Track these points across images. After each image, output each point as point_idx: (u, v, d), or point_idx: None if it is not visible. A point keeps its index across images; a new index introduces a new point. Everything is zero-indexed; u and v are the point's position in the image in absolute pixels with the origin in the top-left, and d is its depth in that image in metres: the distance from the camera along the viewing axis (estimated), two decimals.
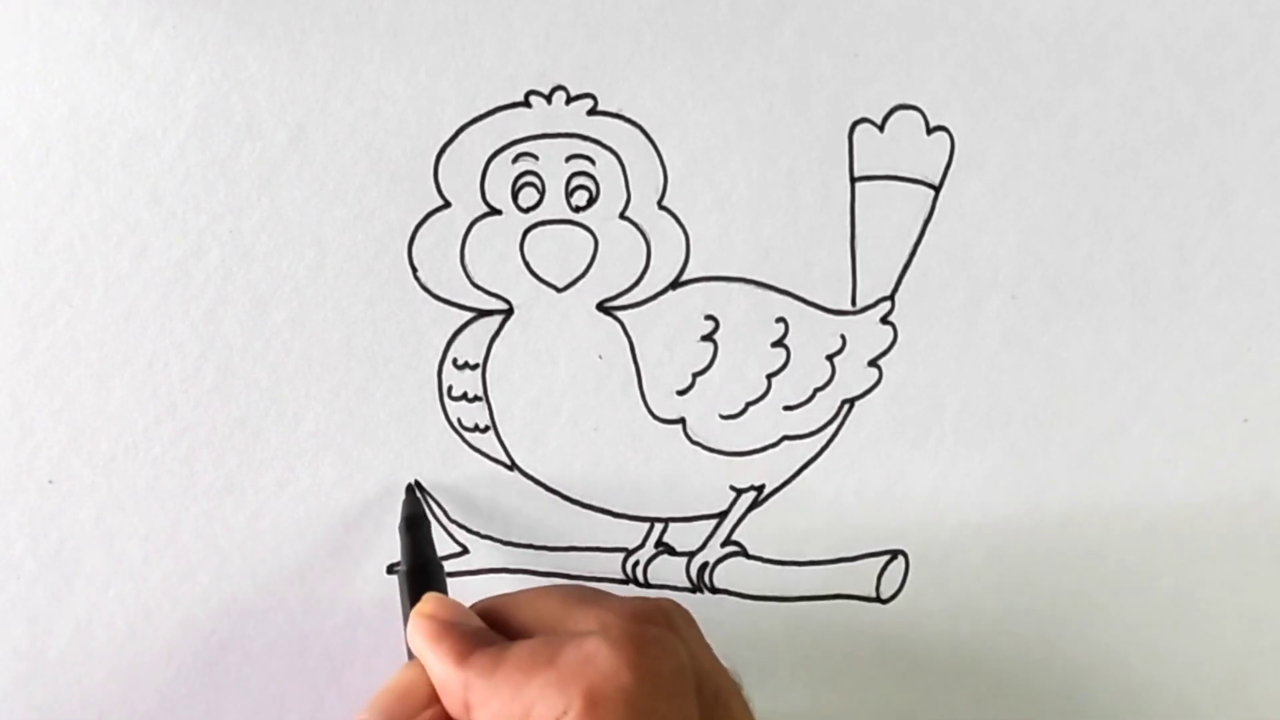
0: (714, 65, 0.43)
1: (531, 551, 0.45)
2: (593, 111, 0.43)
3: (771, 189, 0.44)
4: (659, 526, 0.46)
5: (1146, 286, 0.45)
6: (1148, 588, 0.48)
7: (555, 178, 0.43)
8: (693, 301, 0.44)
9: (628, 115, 0.43)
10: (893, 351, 0.45)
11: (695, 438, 0.45)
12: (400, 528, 0.43)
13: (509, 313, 0.44)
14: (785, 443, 0.45)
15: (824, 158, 0.44)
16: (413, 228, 0.43)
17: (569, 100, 0.42)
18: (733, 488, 0.46)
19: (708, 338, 0.44)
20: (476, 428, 0.44)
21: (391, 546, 0.44)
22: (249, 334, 0.43)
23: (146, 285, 0.42)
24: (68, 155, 0.41)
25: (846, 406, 0.45)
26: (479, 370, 0.44)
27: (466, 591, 0.42)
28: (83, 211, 0.42)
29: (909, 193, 0.44)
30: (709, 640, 0.39)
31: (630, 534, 0.46)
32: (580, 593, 0.39)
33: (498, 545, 0.45)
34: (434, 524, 0.44)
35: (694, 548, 0.46)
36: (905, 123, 0.44)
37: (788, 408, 0.45)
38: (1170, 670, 0.49)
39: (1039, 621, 0.48)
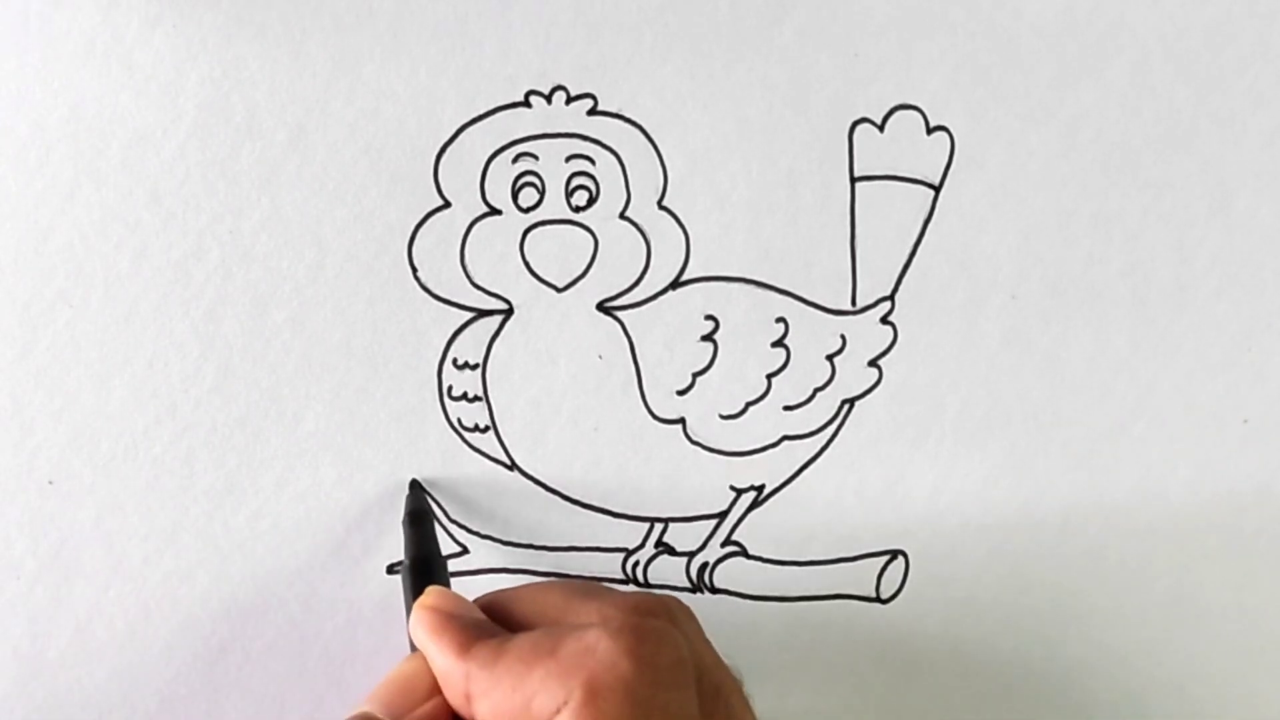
0: (714, 65, 0.43)
1: (531, 551, 0.45)
2: (593, 111, 0.43)
3: (771, 189, 0.44)
4: (659, 526, 0.46)
5: (1146, 286, 0.45)
6: (1148, 588, 0.48)
7: (555, 178, 0.43)
8: (693, 301, 0.44)
9: (628, 115, 0.43)
10: (893, 351, 0.45)
11: (695, 438, 0.45)
12: (404, 522, 0.43)
13: (509, 313, 0.44)
14: (785, 443, 0.45)
15: (824, 158, 0.44)
16: (413, 228, 0.43)
17: (569, 100, 0.42)
18: (733, 488, 0.46)
19: (708, 338, 0.44)
20: (476, 428, 0.44)
21: (392, 546, 0.44)
22: (249, 334, 0.43)
23: (146, 285, 0.42)
24: (68, 155, 0.41)
25: (846, 406, 0.45)
26: (479, 370, 0.44)
27: (467, 591, 0.42)
28: (83, 211, 0.42)
29: (909, 193, 0.44)
30: (709, 640, 0.39)
31: (630, 534, 0.46)
32: (582, 587, 0.39)
33: (498, 545, 0.45)
34: (437, 530, 0.44)
35: (694, 548, 0.46)
36: (905, 123, 0.44)
37: (788, 408, 0.45)
38: (1170, 670, 0.49)
39: (1039, 621, 0.48)
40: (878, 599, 0.47)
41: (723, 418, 0.45)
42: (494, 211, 0.43)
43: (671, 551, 0.46)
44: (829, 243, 0.44)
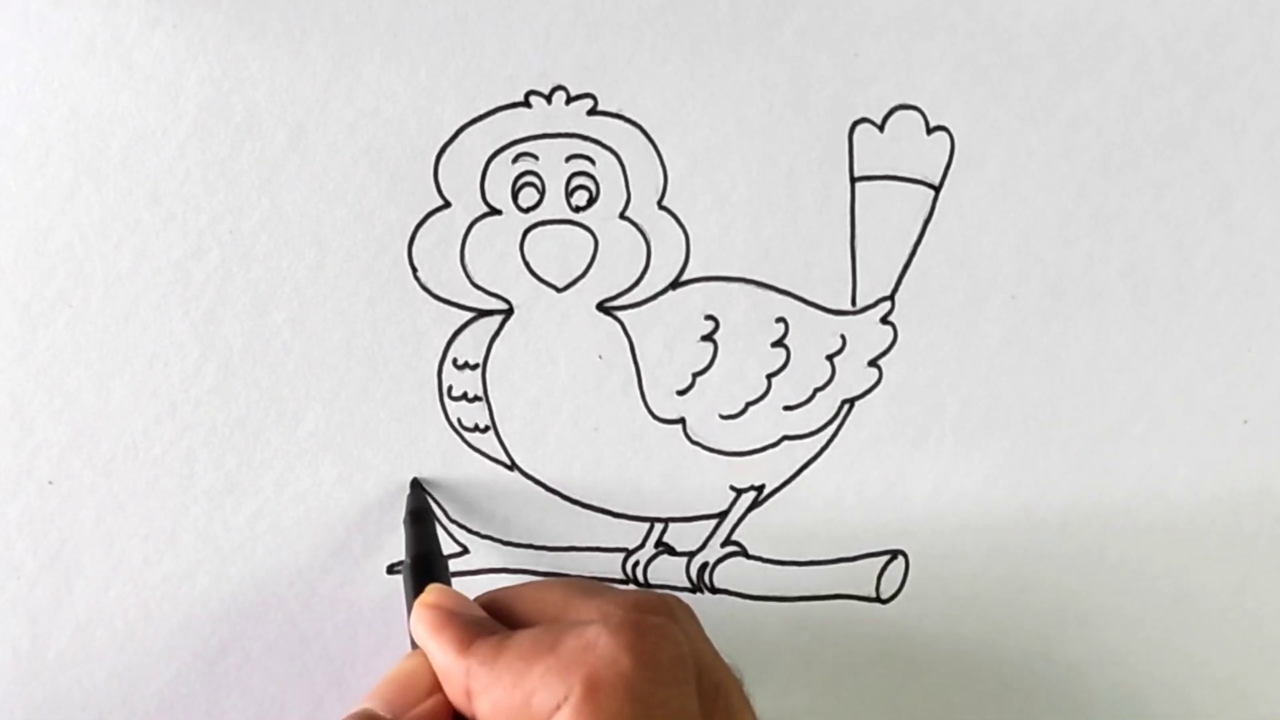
0: (714, 65, 0.43)
1: (531, 551, 0.45)
2: (593, 111, 0.43)
3: (771, 189, 0.44)
4: (659, 526, 0.46)
5: (1146, 286, 0.45)
6: (1148, 588, 0.48)
7: (555, 178, 0.43)
8: (693, 301, 0.44)
9: (628, 115, 0.43)
10: (893, 351, 0.45)
11: (695, 438, 0.45)
12: (405, 520, 0.43)
13: (509, 313, 0.44)
14: (785, 443, 0.45)
15: (824, 158, 0.44)
16: (413, 228, 0.43)
17: (569, 100, 0.42)
18: (733, 488, 0.46)
19: (708, 338, 0.44)
20: (476, 428, 0.44)
21: (392, 546, 0.44)
22: (249, 334, 0.43)
23: (146, 285, 0.42)
24: (68, 155, 0.41)
25: (846, 406, 0.45)
26: (479, 370, 0.44)
27: (467, 591, 0.42)
28: (83, 211, 0.42)
29: (909, 193, 0.44)
30: (709, 638, 0.39)
31: (630, 534, 0.46)
32: (582, 585, 0.40)
33: (498, 545, 0.45)
34: (438, 531, 0.44)
35: (694, 548, 0.46)
36: (905, 123, 0.44)
37: (788, 408, 0.45)
38: (1170, 670, 0.49)
39: (1039, 621, 0.48)
40: (878, 599, 0.47)
41: (723, 418, 0.45)
42: (494, 211, 0.43)
43: (671, 551, 0.46)
44: (829, 243, 0.44)
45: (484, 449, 0.44)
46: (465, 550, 0.45)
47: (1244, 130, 0.45)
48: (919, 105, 0.44)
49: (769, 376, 0.45)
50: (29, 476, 0.43)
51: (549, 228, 0.43)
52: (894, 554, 0.47)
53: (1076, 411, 0.46)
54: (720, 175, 0.43)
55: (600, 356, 0.44)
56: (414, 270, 0.43)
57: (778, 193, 0.44)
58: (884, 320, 0.45)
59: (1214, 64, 0.44)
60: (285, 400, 0.43)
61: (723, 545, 0.46)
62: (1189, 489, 0.47)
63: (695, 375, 0.44)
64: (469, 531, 0.45)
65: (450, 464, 0.44)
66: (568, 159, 0.43)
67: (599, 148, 0.43)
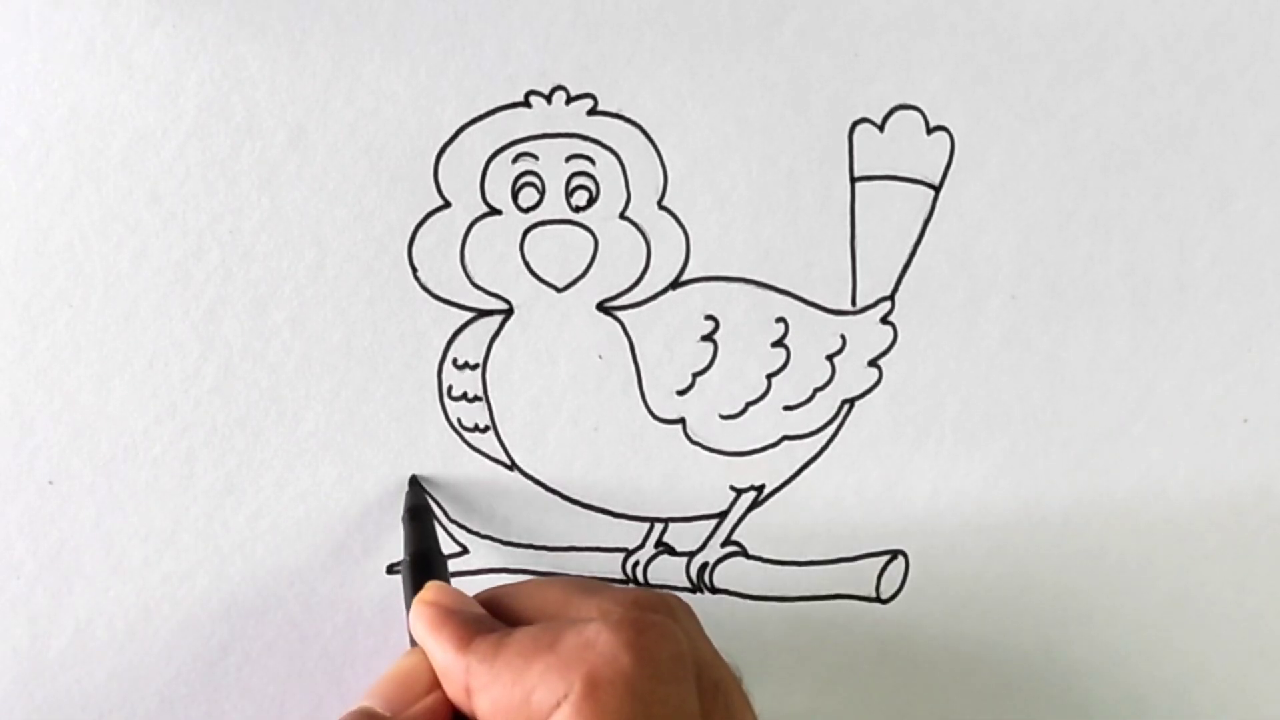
0: (714, 65, 0.43)
1: (531, 551, 0.45)
2: (593, 111, 0.43)
3: (771, 189, 0.44)
4: (659, 526, 0.46)
5: (1146, 286, 0.45)
6: (1148, 588, 0.48)
7: (555, 178, 0.43)
8: (693, 301, 0.44)
9: (628, 115, 0.43)
10: (893, 351, 0.45)
11: (695, 438, 0.45)
12: (403, 517, 0.43)
13: (509, 313, 0.44)
14: (785, 443, 0.45)
15: (824, 158, 0.44)
16: (413, 228, 0.43)
17: (569, 100, 0.42)
18: (733, 488, 0.46)
19: (708, 338, 0.44)
20: (476, 428, 0.44)
21: (392, 546, 0.44)
22: (249, 334, 0.43)
23: (146, 285, 0.42)
24: (68, 155, 0.41)
25: (846, 406, 0.45)
26: (479, 370, 0.44)
27: (467, 590, 0.42)
28: (83, 211, 0.42)
29: (909, 193, 0.44)
30: (708, 637, 0.39)
31: (630, 534, 0.46)
32: (581, 583, 0.40)
33: (497, 545, 0.45)
34: (437, 530, 0.44)
35: (694, 548, 0.46)
36: (905, 123, 0.44)
37: (788, 408, 0.45)
38: (1170, 670, 0.49)
39: (1039, 621, 0.48)
40: (878, 599, 0.47)
41: (723, 418, 0.45)
42: (494, 211, 0.43)
43: (671, 551, 0.46)
44: (829, 243, 0.44)
45: (484, 449, 0.44)
46: (465, 550, 0.45)
47: (1244, 130, 0.45)
48: (919, 105, 0.44)
49: (769, 376, 0.45)
50: (29, 476, 0.43)
51: (549, 228, 0.43)
52: (894, 554, 0.47)
53: (1076, 411, 0.46)
54: (720, 175, 0.43)
55: (600, 356, 0.44)
56: (414, 270, 0.43)
57: (778, 193, 0.44)
58: (884, 320, 0.45)
59: (1214, 64, 0.44)
60: (285, 400, 0.43)
61: (723, 545, 0.46)
62: (1189, 489, 0.47)
63: (695, 375, 0.44)
64: (469, 531, 0.45)
65: (450, 464, 0.44)
66: (568, 159, 0.43)
67: (599, 148, 0.43)
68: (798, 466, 0.46)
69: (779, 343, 0.45)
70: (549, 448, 0.45)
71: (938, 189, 0.44)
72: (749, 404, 0.45)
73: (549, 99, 0.42)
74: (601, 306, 0.44)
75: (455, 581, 0.42)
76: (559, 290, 0.44)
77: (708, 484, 0.45)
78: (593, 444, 0.45)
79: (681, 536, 0.46)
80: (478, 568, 0.45)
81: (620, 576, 0.46)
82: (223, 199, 0.42)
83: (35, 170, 0.41)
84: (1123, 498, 0.47)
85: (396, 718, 0.36)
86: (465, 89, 0.42)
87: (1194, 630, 0.48)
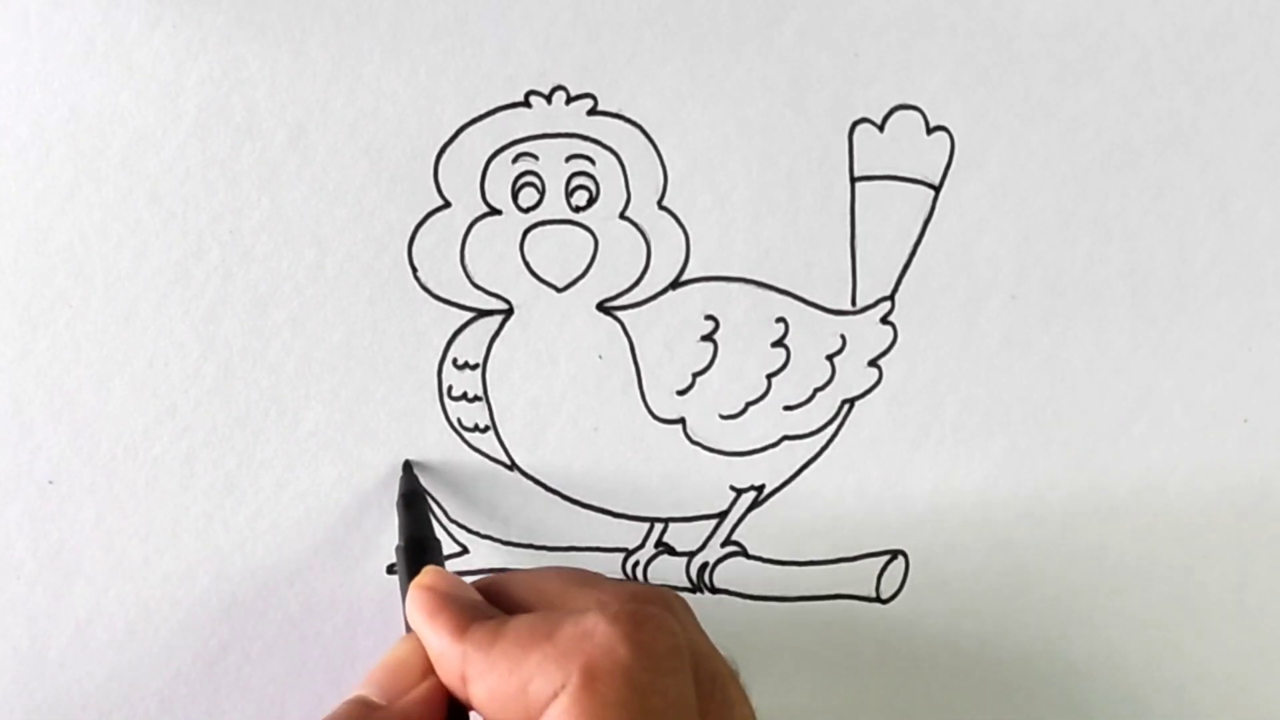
0: (714, 65, 0.43)
1: (531, 551, 0.45)
2: (593, 111, 0.43)
3: (771, 189, 0.44)
4: (659, 526, 0.46)
5: (1146, 286, 0.45)
6: (1148, 588, 0.48)
7: (555, 178, 0.43)
8: (693, 301, 0.44)
9: (628, 115, 0.43)
10: (893, 351, 0.45)
11: (695, 438, 0.45)
12: (398, 504, 0.43)
13: (509, 313, 0.44)
14: (785, 443, 0.45)
15: (824, 158, 0.44)
16: (413, 228, 0.43)
17: (569, 100, 0.42)
18: (733, 488, 0.46)
19: (708, 338, 0.44)
20: (476, 428, 0.44)
21: (391, 546, 0.44)
22: (249, 334, 0.43)
23: (146, 285, 0.42)
24: (68, 155, 0.41)
25: (846, 406, 0.45)
26: (479, 370, 0.44)
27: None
28: (83, 211, 0.42)
29: (909, 193, 0.44)
30: (705, 632, 0.39)
31: (630, 534, 0.46)
32: (580, 575, 0.39)
33: (497, 545, 0.45)
34: (434, 524, 0.44)
35: (694, 548, 0.46)
36: (905, 123, 0.44)
37: (788, 408, 0.45)
38: (1170, 670, 0.49)
39: (1039, 621, 0.48)
40: (878, 599, 0.47)
41: (723, 418, 0.45)
42: (494, 211, 0.43)
43: (671, 551, 0.46)
44: (829, 243, 0.44)
45: (484, 449, 0.44)
46: (465, 550, 0.45)
47: (1244, 130, 0.45)
48: (919, 105, 0.44)
49: (769, 376, 0.45)
50: (29, 476, 0.43)
51: (549, 228, 0.43)
52: (894, 554, 0.47)
53: (1076, 412, 0.46)
54: (720, 175, 0.43)
55: (600, 356, 0.44)
56: (414, 270, 0.43)
57: (778, 193, 0.44)
58: (884, 320, 0.45)
59: (1214, 64, 0.44)
60: (285, 400, 0.43)
61: (723, 545, 0.46)
62: (1189, 488, 0.47)
63: (695, 375, 0.44)
64: (469, 531, 0.45)
65: (450, 464, 0.44)
66: (568, 159, 0.43)
67: (599, 148, 0.43)
68: (798, 466, 0.46)
69: (779, 343, 0.45)
70: (549, 448, 0.45)
71: (938, 189, 0.44)
72: (749, 404, 0.45)
73: (549, 99, 0.42)
74: (601, 306, 0.44)
75: None
76: (559, 290, 0.44)
77: (708, 484, 0.45)
78: (593, 444, 0.45)
79: (681, 536, 0.46)
80: (477, 568, 0.45)
81: (620, 577, 0.46)
82: (223, 199, 0.42)
83: (35, 170, 0.41)
84: (1123, 497, 0.47)
85: (392, 706, 0.36)
86: (465, 89, 0.42)
87: (1194, 630, 0.48)
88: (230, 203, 0.42)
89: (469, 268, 0.43)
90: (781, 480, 0.46)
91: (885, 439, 0.46)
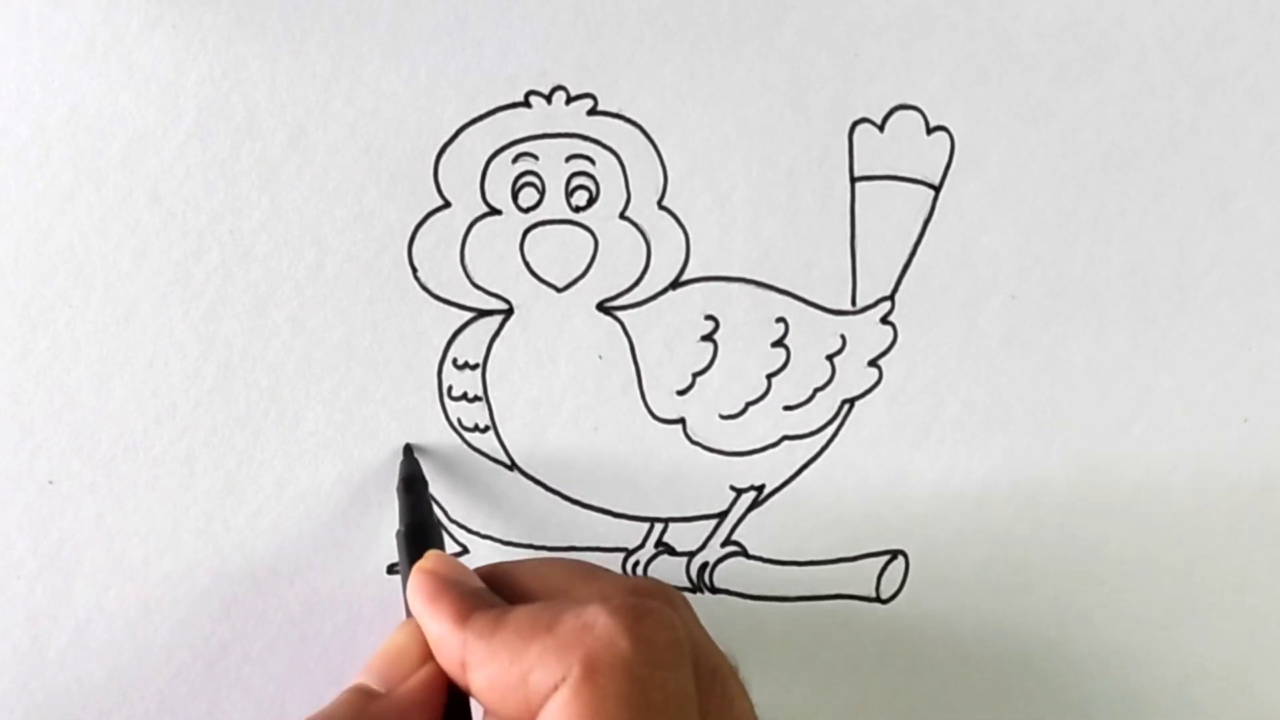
0: (714, 65, 0.43)
1: (531, 551, 0.45)
2: (593, 111, 0.43)
3: (771, 189, 0.44)
4: (659, 526, 0.46)
5: (1146, 286, 0.45)
6: (1148, 587, 0.48)
7: (555, 178, 0.43)
8: (693, 301, 0.44)
9: (628, 115, 0.43)
10: (893, 351, 0.45)
11: (695, 438, 0.45)
12: (398, 488, 0.43)
13: (509, 313, 0.44)
14: (785, 443, 0.45)
15: (824, 158, 0.44)
16: (413, 228, 0.43)
17: (569, 100, 0.42)
18: (733, 488, 0.46)
19: (708, 338, 0.44)
20: (476, 428, 0.44)
21: (392, 547, 0.44)
22: (249, 334, 0.43)
23: (146, 285, 0.42)
24: (68, 155, 0.41)
25: (846, 406, 0.45)
26: (479, 370, 0.44)
27: None
28: (83, 211, 0.42)
29: (909, 193, 0.44)
30: (704, 627, 0.39)
31: (630, 534, 0.46)
32: (582, 567, 0.39)
33: (498, 545, 0.45)
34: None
35: (694, 548, 0.46)
36: (905, 123, 0.44)
37: (788, 408, 0.45)
38: (1170, 669, 0.49)
39: (1039, 621, 0.48)
40: (878, 599, 0.47)
41: (723, 418, 0.45)
42: (494, 211, 0.43)
43: (671, 551, 0.46)
44: (829, 243, 0.44)
45: (484, 449, 0.44)
46: (465, 550, 0.45)
47: (1244, 130, 0.45)
48: (919, 105, 0.44)
49: (769, 376, 0.45)
50: (29, 476, 0.43)
51: (549, 228, 0.43)
52: (894, 554, 0.47)
53: (1076, 411, 0.46)
54: (720, 175, 0.43)
55: (600, 356, 0.44)
56: (414, 270, 0.43)
57: (778, 193, 0.44)
58: (884, 320, 0.45)
59: (1214, 64, 0.44)
60: (285, 400, 0.43)
61: (723, 545, 0.46)
62: (1189, 488, 0.47)
63: (695, 375, 0.44)
64: (469, 531, 0.45)
65: (450, 464, 0.44)
66: (568, 159, 0.43)
67: (599, 148, 0.43)
68: (798, 466, 0.46)
69: (779, 343, 0.45)
70: (549, 448, 0.45)
71: (938, 189, 0.44)
72: (749, 404, 0.45)
73: (549, 99, 0.42)
74: (601, 306, 0.44)
75: None
76: (559, 290, 0.44)
77: (708, 484, 0.45)
78: (593, 444, 0.45)
79: (681, 536, 0.46)
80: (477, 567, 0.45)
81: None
82: (223, 199, 0.42)
83: (35, 170, 0.41)
84: (1123, 497, 0.47)
85: (392, 694, 0.36)
86: (465, 89, 0.42)
87: (1194, 629, 0.48)
88: (230, 203, 0.42)
89: (469, 268, 0.43)
90: (781, 480, 0.46)
91: (885, 439, 0.46)
